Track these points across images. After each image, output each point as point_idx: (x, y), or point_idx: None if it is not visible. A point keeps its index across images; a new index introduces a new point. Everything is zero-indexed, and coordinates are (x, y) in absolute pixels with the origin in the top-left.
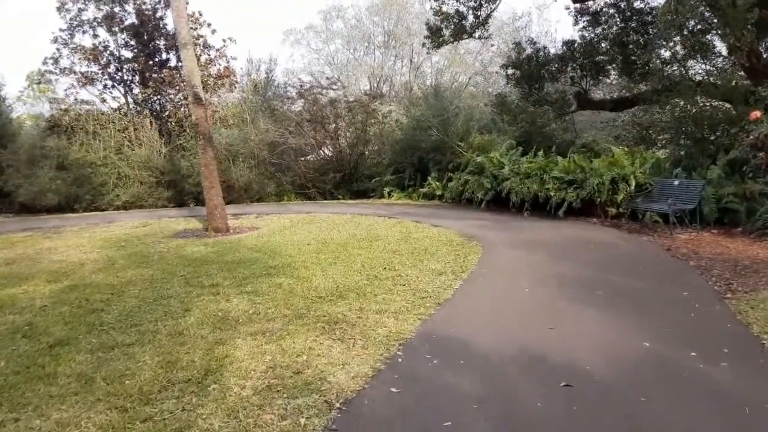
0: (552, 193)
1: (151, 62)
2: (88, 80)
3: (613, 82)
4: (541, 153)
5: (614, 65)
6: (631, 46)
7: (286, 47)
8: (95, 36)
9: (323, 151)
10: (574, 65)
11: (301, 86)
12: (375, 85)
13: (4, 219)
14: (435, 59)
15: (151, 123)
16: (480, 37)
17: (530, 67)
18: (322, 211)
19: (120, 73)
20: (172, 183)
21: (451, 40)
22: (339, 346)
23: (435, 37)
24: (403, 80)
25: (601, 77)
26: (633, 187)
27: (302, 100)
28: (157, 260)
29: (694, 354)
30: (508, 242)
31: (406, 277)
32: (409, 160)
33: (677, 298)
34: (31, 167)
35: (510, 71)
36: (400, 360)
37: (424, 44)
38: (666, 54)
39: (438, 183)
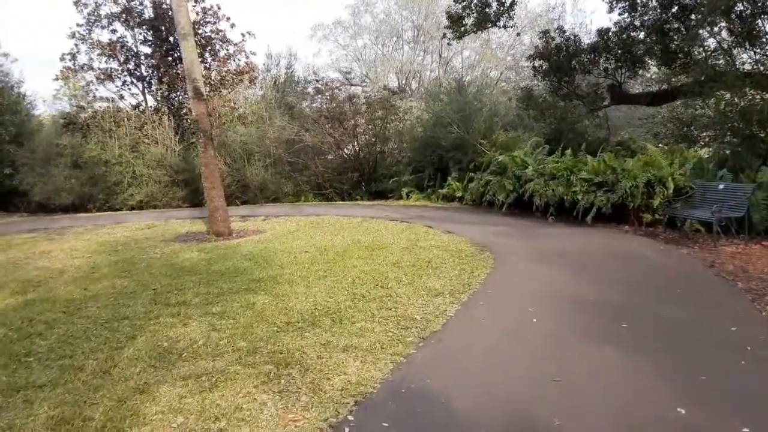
0: (579, 197)
1: (169, 58)
2: (106, 76)
3: (652, 76)
4: (568, 152)
5: (652, 55)
6: (671, 35)
7: (314, 43)
8: (113, 32)
9: (341, 149)
10: (608, 56)
11: (316, 81)
12: (404, 81)
13: (18, 219)
14: (466, 54)
15: (169, 119)
16: (505, 26)
17: (559, 58)
18: (333, 213)
19: (138, 70)
20: (186, 182)
21: (474, 29)
22: (276, 404)
23: (456, 26)
24: (433, 76)
25: (637, 69)
26: (671, 191)
27: (320, 96)
28: (142, 269)
29: (746, 431)
30: (524, 254)
31: (396, 298)
32: (428, 159)
33: (723, 335)
34: (46, 166)
35: (537, 63)
36: (347, 430)
37: (444, 35)
38: (710, 41)
39: (458, 184)
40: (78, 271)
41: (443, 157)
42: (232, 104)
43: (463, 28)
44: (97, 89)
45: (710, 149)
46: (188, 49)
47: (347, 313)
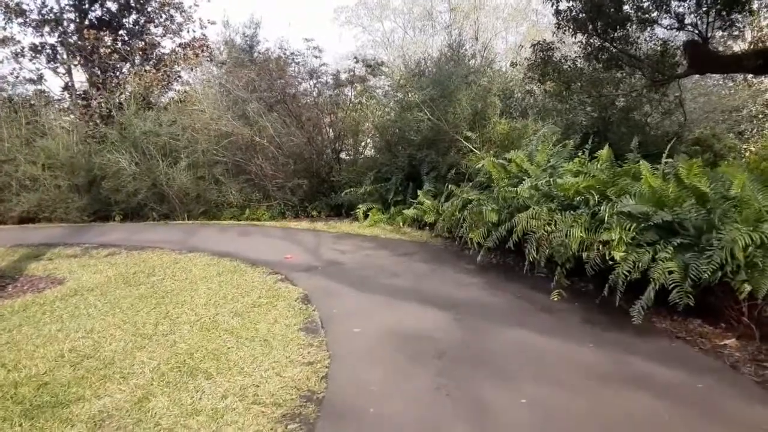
0: (618, 254)
1: (105, 29)
2: (29, 51)
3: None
4: (603, 152)
5: None
6: None
7: (336, 27)
8: None
9: (292, 146)
10: None
11: (250, 47)
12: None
13: None
14: (511, 39)
15: (90, 103)
16: None
17: None
18: (218, 249)
19: (64, 41)
20: (87, 187)
21: None
22: None
23: None
24: (471, 63)
25: (735, 12)
26: None
27: (256, 70)
28: None
29: None
30: None
31: None
32: (396, 161)
33: None
34: None
35: (562, 5)
36: None
37: None
38: None
39: (430, 202)
40: None
41: (414, 159)
42: (182, 87)
43: None
44: (20, 68)
45: None
46: None
47: None
